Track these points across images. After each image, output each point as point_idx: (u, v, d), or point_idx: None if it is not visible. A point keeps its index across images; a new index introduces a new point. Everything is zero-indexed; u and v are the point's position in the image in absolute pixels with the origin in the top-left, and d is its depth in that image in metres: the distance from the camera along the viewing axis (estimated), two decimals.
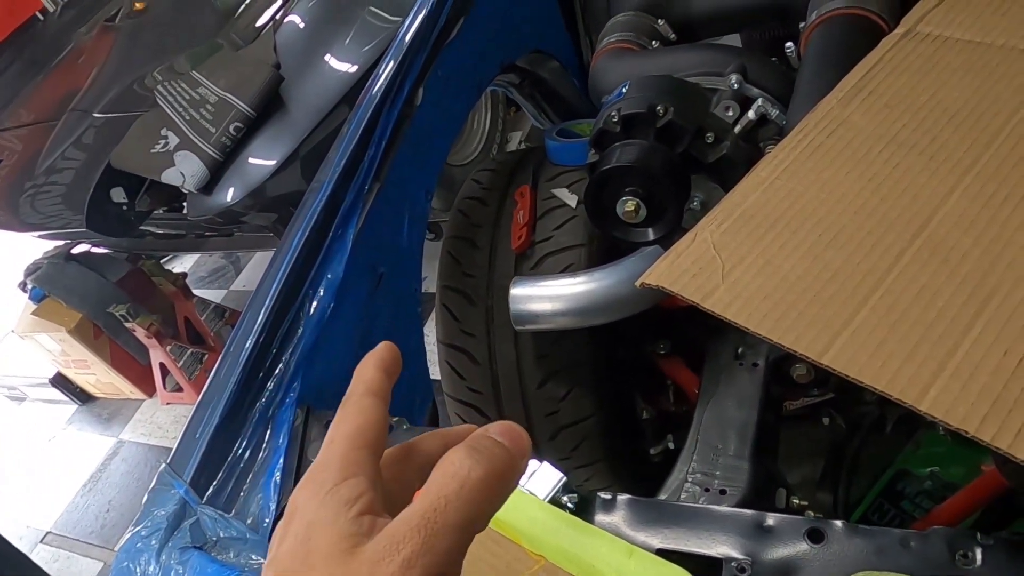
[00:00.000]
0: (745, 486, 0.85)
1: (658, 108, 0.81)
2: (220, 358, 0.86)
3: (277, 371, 0.84)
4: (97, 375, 2.85)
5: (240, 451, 0.78)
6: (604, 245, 1.17)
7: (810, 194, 0.62)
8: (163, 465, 0.78)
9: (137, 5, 2.57)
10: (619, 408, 1.27)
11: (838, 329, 0.52)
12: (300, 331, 0.86)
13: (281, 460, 0.77)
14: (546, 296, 1.07)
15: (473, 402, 1.27)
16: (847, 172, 0.63)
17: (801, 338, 0.52)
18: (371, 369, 0.40)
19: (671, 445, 1.28)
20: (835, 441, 1.15)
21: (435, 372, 1.27)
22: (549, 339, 1.18)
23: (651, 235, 0.83)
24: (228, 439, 0.79)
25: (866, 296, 0.54)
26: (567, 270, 1.16)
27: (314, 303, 0.88)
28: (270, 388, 0.83)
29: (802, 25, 0.90)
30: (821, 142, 0.67)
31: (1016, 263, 0.53)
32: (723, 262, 0.58)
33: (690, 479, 0.91)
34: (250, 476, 0.78)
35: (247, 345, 0.83)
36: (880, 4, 0.85)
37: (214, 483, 0.77)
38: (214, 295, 3.12)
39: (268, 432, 0.80)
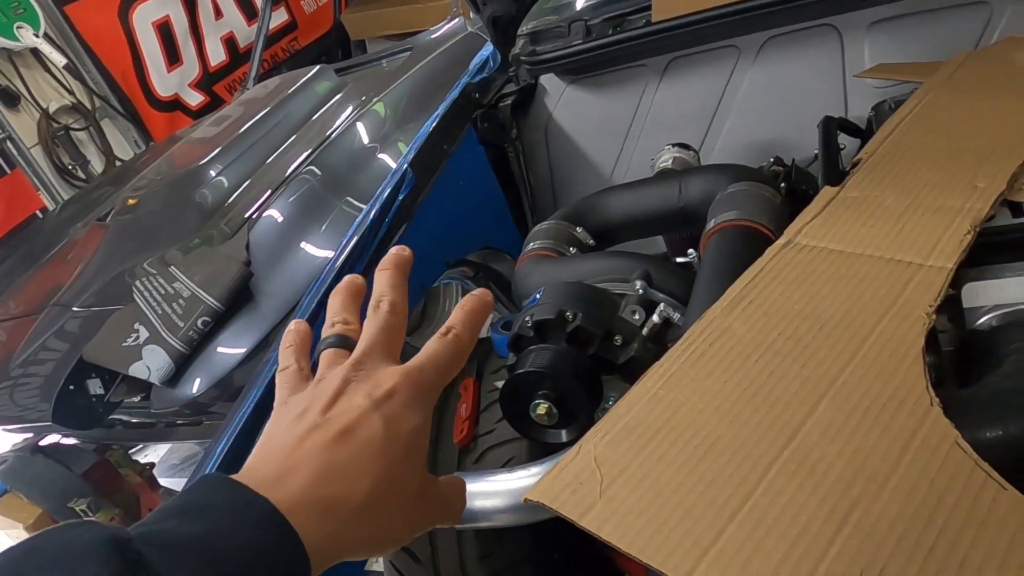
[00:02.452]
0: None
1: (567, 314, 0.85)
2: None
3: None
4: None
5: None
6: None
7: (690, 404, 0.65)
8: None
9: (129, 202, 2.71)
10: None
11: (706, 547, 0.52)
12: None
13: None
14: (486, 492, 1.05)
15: None
16: (725, 381, 0.66)
17: (670, 558, 0.52)
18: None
19: None
20: None
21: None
22: (492, 537, 1.15)
23: (564, 437, 0.84)
24: None
25: (734, 511, 0.54)
26: (509, 463, 1.16)
27: None
28: None
29: (704, 231, 0.97)
30: (704, 351, 0.70)
31: (876, 474, 0.55)
32: (602, 476, 0.60)
33: None
34: None
35: None
36: (767, 216, 0.92)
37: None
38: (184, 484, 3.04)
39: None
